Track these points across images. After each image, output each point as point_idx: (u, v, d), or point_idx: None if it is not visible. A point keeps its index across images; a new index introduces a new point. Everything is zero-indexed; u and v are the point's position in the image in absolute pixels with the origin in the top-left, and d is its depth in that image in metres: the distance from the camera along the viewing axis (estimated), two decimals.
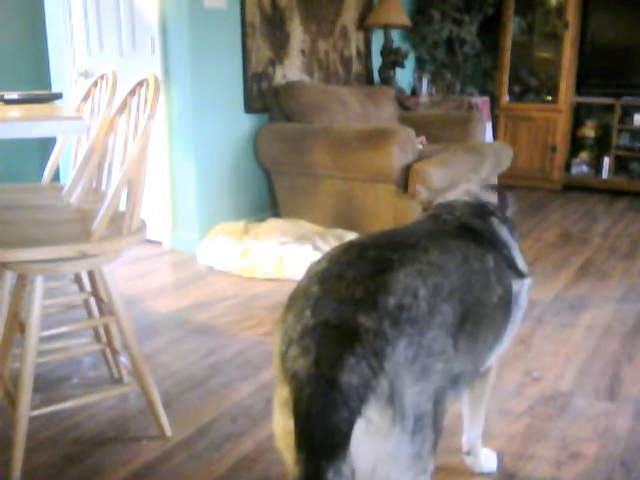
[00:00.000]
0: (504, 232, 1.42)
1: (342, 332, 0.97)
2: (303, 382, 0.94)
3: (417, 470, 1.00)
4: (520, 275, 1.40)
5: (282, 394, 0.99)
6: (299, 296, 1.07)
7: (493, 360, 1.48)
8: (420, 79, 5.21)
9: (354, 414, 0.92)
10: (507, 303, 1.31)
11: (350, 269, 1.07)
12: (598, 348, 2.42)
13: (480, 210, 1.43)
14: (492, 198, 1.52)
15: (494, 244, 1.35)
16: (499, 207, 1.51)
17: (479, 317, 1.17)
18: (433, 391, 1.02)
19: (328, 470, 0.90)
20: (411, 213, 3.41)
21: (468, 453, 1.65)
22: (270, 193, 4.13)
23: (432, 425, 1.02)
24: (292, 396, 0.95)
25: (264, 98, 3.99)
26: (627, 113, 5.36)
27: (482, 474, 1.64)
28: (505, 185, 1.68)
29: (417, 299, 1.02)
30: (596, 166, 5.57)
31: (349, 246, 1.16)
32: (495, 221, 1.42)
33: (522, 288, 1.40)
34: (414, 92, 5.33)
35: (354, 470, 0.93)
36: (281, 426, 1.01)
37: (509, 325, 1.36)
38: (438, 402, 1.04)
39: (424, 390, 1.00)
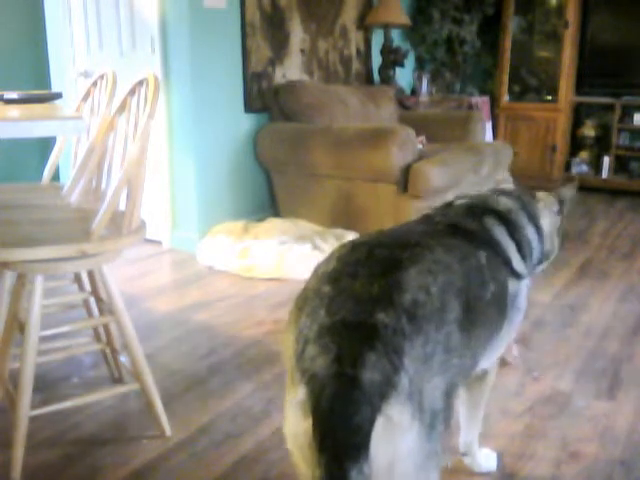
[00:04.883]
0: (499, 231, 1.41)
1: (361, 330, 0.96)
2: (324, 382, 0.93)
3: (431, 466, 1.00)
4: (516, 275, 1.39)
5: (296, 395, 0.97)
6: (310, 296, 1.06)
7: (491, 361, 1.47)
8: (420, 79, 5.20)
9: (375, 412, 0.91)
10: (500, 300, 1.31)
11: (362, 268, 1.07)
12: (598, 348, 2.42)
13: (474, 210, 1.43)
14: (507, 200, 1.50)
15: (486, 242, 1.34)
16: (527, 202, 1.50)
17: (476, 313, 1.18)
18: (446, 387, 1.02)
19: (352, 470, 0.88)
20: (411, 213, 3.41)
21: (465, 454, 1.65)
22: (270, 193, 4.12)
23: (444, 421, 1.02)
24: (311, 396, 0.94)
25: (264, 98, 3.98)
26: (627, 113, 5.36)
27: (482, 474, 1.64)
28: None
29: (430, 296, 1.03)
30: (596, 166, 5.57)
31: (355, 246, 1.16)
32: (489, 220, 1.42)
33: (519, 289, 1.40)
34: (414, 92, 5.32)
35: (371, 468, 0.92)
36: (294, 428, 0.99)
37: (505, 325, 1.35)
38: (449, 398, 1.04)
39: (438, 386, 1.00)
